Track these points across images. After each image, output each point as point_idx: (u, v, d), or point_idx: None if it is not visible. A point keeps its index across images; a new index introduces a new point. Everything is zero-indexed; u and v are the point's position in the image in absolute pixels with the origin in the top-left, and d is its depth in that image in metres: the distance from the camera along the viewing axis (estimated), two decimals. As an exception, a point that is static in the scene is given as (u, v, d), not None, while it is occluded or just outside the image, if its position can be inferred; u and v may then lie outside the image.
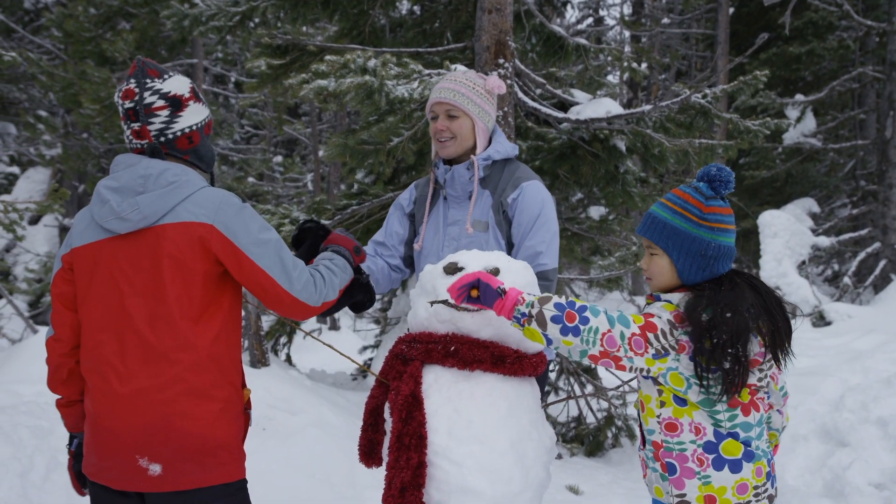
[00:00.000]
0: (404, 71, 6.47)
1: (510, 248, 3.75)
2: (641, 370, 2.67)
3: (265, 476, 5.32)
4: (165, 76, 2.83)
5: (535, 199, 3.73)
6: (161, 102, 2.78)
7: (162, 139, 2.79)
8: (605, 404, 8.32)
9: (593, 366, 8.33)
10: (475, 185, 3.74)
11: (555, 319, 2.63)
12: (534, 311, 2.66)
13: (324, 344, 3.31)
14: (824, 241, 15.77)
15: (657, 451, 2.81)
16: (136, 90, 2.79)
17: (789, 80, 20.15)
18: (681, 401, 2.73)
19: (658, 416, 2.78)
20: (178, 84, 2.84)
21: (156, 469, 2.66)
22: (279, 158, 26.62)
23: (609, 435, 8.13)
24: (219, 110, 21.55)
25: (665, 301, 2.78)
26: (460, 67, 6.57)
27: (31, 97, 17.72)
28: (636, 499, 6.62)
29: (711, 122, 7.25)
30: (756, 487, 2.75)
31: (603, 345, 2.62)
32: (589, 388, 8.15)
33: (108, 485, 2.75)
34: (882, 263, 16.36)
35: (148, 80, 2.80)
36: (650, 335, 2.64)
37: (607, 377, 8.70)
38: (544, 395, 3.80)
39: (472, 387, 2.86)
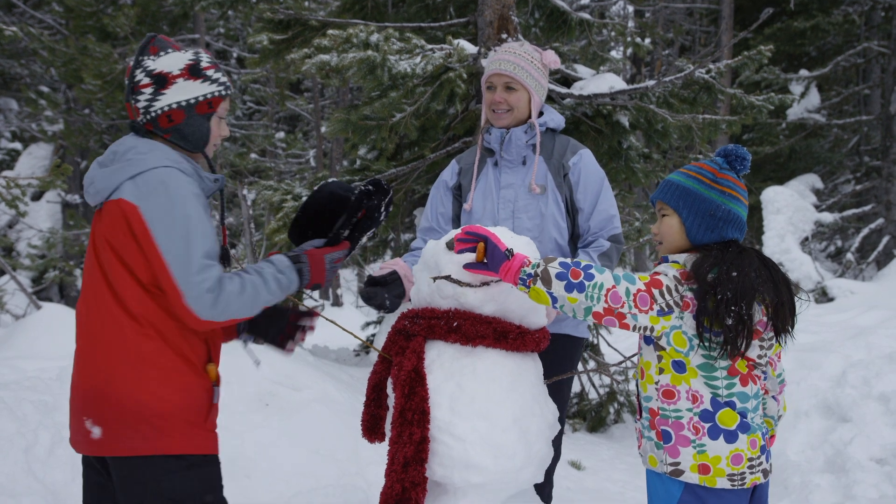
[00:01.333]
0: (407, 46, 6.45)
1: (573, 212, 3.82)
2: (645, 328, 2.68)
3: (269, 451, 5.34)
4: (163, 53, 2.82)
5: (595, 164, 3.87)
6: (147, 80, 2.79)
7: (147, 117, 2.80)
8: (607, 380, 8.34)
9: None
10: (537, 148, 3.80)
11: (559, 276, 2.65)
12: (539, 271, 2.68)
13: (327, 319, 3.31)
14: (827, 217, 15.74)
15: (653, 418, 2.80)
16: (132, 67, 2.83)
17: (793, 56, 20.04)
18: (680, 367, 2.73)
19: (656, 383, 2.78)
20: (169, 61, 2.80)
21: (97, 432, 2.68)
22: (281, 134, 26.58)
23: (611, 411, 8.16)
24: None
25: (672, 261, 2.81)
26: (463, 42, 6.54)
27: (32, 73, 17.68)
28: (638, 474, 6.64)
29: (715, 98, 7.22)
30: (751, 459, 2.75)
31: (607, 301, 2.63)
32: (591, 364, 8.17)
33: (73, 448, 2.82)
34: (885, 239, 16.33)
35: (144, 58, 2.81)
36: (655, 291, 2.66)
37: (610, 353, 8.72)
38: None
39: (474, 362, 2.86)
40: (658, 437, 2.79)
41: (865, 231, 16.65)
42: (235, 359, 6.11)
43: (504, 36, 6.75)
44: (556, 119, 3.94)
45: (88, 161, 17.12)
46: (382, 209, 3.09)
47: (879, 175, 17.48)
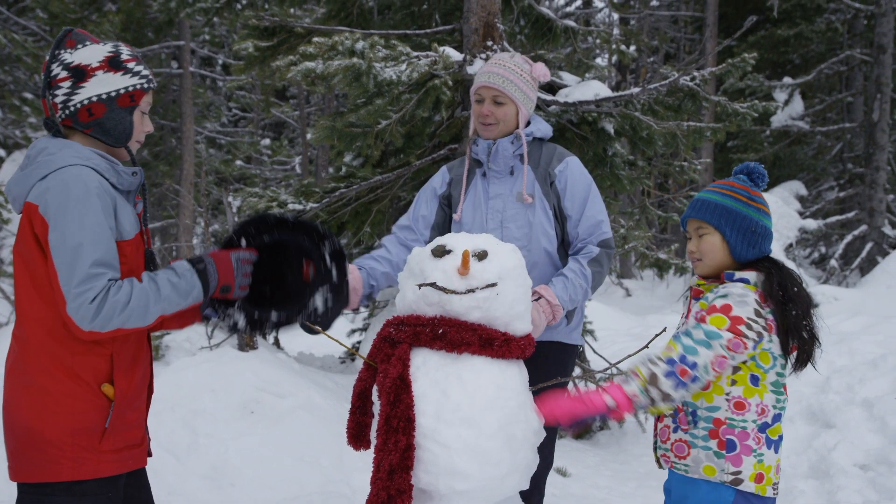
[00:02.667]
0: (392, 53, 6.45)
1: (562, 220, 3.83)
2: (745, 360, 2.82)
3: (253, 459, 5.33)
4: (80, 45, 2.72)
5: (582, 171, 3.89)
6: (64, 74, 2.68)
7: (66, 112, 2.70)
8: (592, 387, 8.34)
9: (581, 349, 8.36)
10: (524, 157, 3.82)
11: (677, 387, 2.74)
12: (654, 395, 2.74)
13: (312, 326, 3.30)
14: (811, 224, 15.83)
15: (718, 428, 2.86)
16: (48, 62, 2.72)
17: (777, 63, 20.18)
18: (755, 381, 2.85)
19: (727, 394, 2.86)
20: (88, 54, 2.70)
21: (8, 458, 2.67)
22: (267, 141, 26.57)
23: (597, 417, 8.16)
24: (206, 93, 21.45)
25: (740, 280, 2.88)
26: (449, 50, 6.55)
27: (16, 79, 17.60)
28: (623, 480, 6.65)
29: (700, 105, 7.24)
30: (779, 470, 2.90)
31: (716, 369, 2.76)
32: (577, 371, 8.17)
33: None
34: (868, 246, 16.44)
35: (60, 51, 2.71)
36: (742, 329, 2.76)
37: (595, 360, 8.72)
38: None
39: (459, 369, 2.86)
40: (720, 446, 2.86)
41: (849, 238, 16.76)
42: (219, 366, 6.11)
43: (489, 43, 6.76)
44: (542, 128, 3.96)
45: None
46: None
47: (862, 182, 17.60)
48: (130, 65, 2.76)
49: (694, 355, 2.73)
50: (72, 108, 2.69)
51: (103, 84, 2.70)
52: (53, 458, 2.57)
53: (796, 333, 2.82)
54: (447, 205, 4.04)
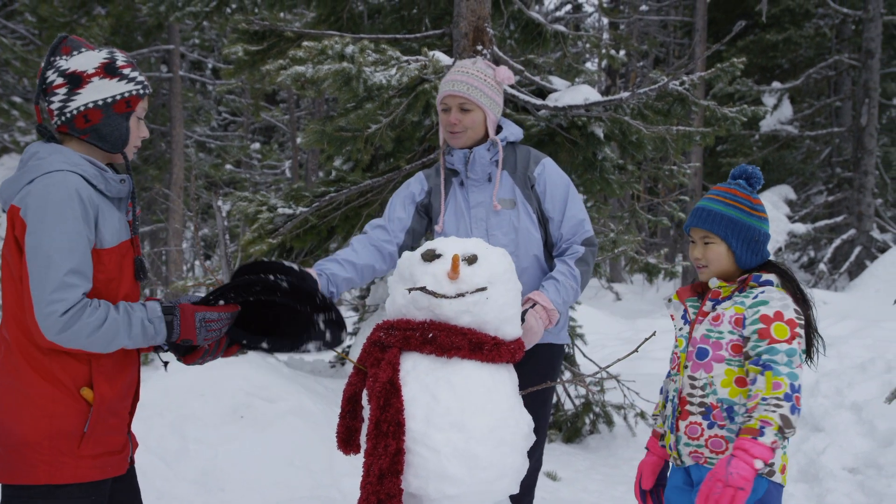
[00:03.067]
0: (382, 57, 6.45)
1: (544, 222, 3.84)
2: None
3: (243, 463, 5.32)
4: (76, 52, 2.72)
5: (559, 172, 3.91)
6: (60, 80, 2.69)
7: (62, 118, 2.71)
8: (582, 391, 8.35)
9: (571, 333, 8.38)
10: (500, 164, 3.82)
11: (797, 414, 2.82)
12: (788, 433, 2.81)
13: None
14: (800, 228, 15.89)
15: None
16: (43, 69, 2.73)
17: (766, 68, 20.25)
18: None
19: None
20: (83, 60, 2.71)
21: None
22: (257, 145, 26.53)
23: (587, 421, 8.17)
24: (196, 97, 21.41)
25: (772, 285, 3.03)
26: (438, 54, 6.56)
27: (5, 83, 17.53)
28: (613, 484, 6.66)
29: (689, 110, 7.25)
30: None
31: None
32: (567, 375, 8.18)
33: None
34: (857, 250, 16.50)
35: (56, 58, 2.72)
36: (798, 331, 2.95)
37: (585, 364, 8.73)
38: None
39: (449, 374, 2.86)
40: None
41: (837, 242, 16.82)
42: (209, 370, 6.10)
43: (479, 48, 6.76)
44: (514, 132, 3.95)
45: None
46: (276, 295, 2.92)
47: (851, 186, 17.67)
48: (126, 71, 2.77)
49: (797, 380, 2.87)
50: (68, 115, 2.70)
51: (99, 90, 2.71)
52: (32, 461, 2.57)
53: (814, 330, 3.07)
54: (425, 213, 4.01)
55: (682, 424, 3.09)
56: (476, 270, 2.90)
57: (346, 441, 3.04)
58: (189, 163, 20.05)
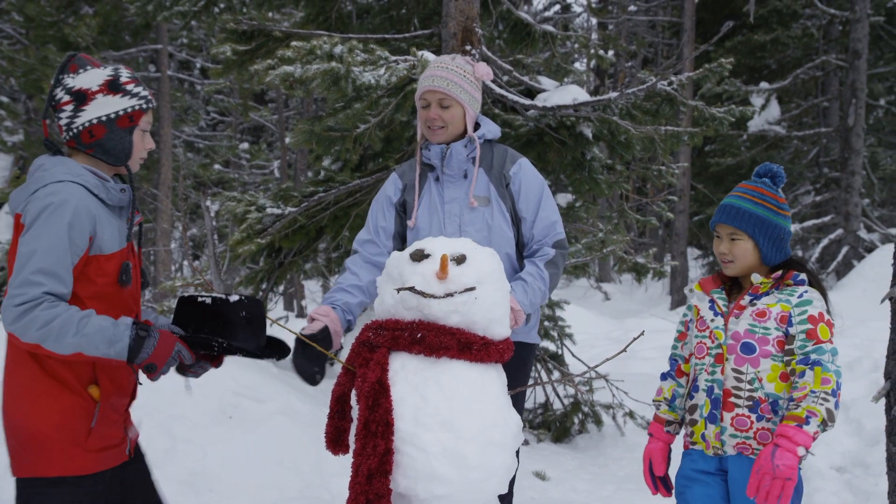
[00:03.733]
0: (371, 57, 6.44)
1: (517, 222, 3.86)
2: None
3: (232, 464, 5.31)
4: (82, 70, 2.87)
5: (535, 173, 3.92)
6: (66, 98, 2.84)
7: (70, 134, 2.86)
8: (571, 390, 8.36)
9: (559, 333, 8.40)
10: (477, 161, 3.83)
11: (837, 408, 3.01)
12: (829, 427, 3.00)
13: (291, 332, 3.30)
14: (788, 228, 15.91)
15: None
16: (52, 86, 2.89)
17: (754, 68, 20.32)
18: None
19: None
20: (89, 78, 2.86)
21: (10, 456, 2.84)
22: (245, 145, 26.47)
23: (576, 421, 8.18)
24: (184, 97, 21.36)
25: (807, 286, 3.19)
26: (427, 54, 6.56)
27: (-9, 83, 17.48)
28: (602, 484, 6.67)
29: (677, 110, 7.27)
30: None
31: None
32: (556, 375, 8.19)
33: None
34: (844, 250, 16.56)
35: (64, 76, 2.87)
36: (834, 329, 3.14)
37: (574, 363, 8.75)
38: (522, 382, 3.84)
39: (438, 374, 2.86)
40: None
41: (825, 242, 16.89)
42: (198, 371, 6.07)
43: (468, 48, 6.76)
44: (492, 130, 3.96)
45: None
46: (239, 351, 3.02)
47: (838, 186, 17.74)
48: (129, 87, 2.91)
49: (840, 378, 3.03)
50: (74, 130, 2.85)
51: (103, 107, 2.85)
52: (43, 455, 2.73)
53: (831, 326, 3.16)
54: (403, 211, 4.02)
55: (727, 416, 3.19)
56: (465, 270, 2.90)
57: (335, 441, 3.03)
58: (177, 163, 20.01)
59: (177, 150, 20.80)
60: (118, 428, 2.96)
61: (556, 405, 8.53)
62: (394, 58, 6.52)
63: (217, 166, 23.33)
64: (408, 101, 6.42)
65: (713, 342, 3.27)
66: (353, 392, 2.97)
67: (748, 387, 3.15)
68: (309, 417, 5.95)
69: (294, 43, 6.41)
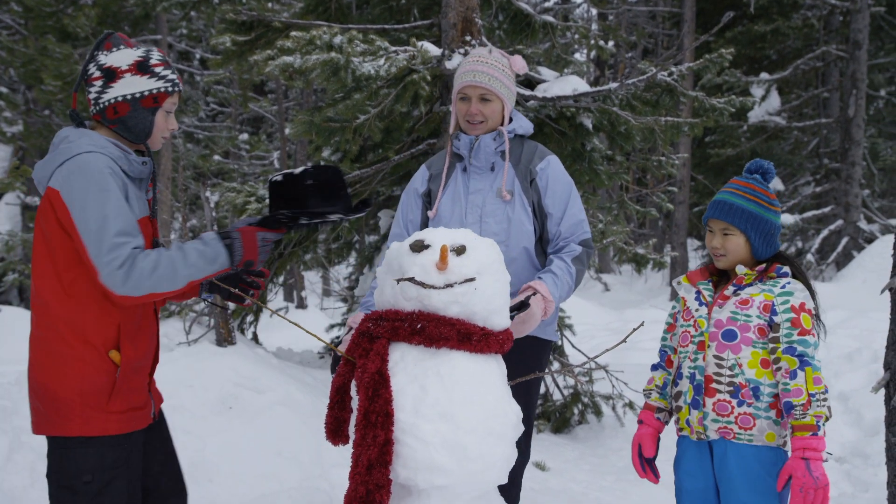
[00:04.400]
0: (371, 48, 6.43)
1: (541, 217, 3.87)
2: None
3: (232, 454, 5.31)
4: (115, 49, 3.01)
5: (563, 171, 3.95)
6: (98, 73, 3.00)
7: (97, 108, 3.01)
8: (571, 381, 8.37)
9: (559, 324, 8.40)
10: (506, 154, 3.85)
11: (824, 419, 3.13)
12: (829, 416, 3.16)
13: (291, 322, 3.30)
14: (788, 219, 15.92)
15: (776, 400, 3.24)
16: (86, 61, 3.05)
17: (754, 59, 20.27)
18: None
19: (780, 369, 3.24)
20: (120, 57, 3.00)
21: (33, 414, 3.02)
22: (245, 136, 26.42)
23: (575, 412, 8.19)
24: (184, 87, 21.33)
25: (790, 278, 3.30)
26: (427, 44, 6.54)
27: (-9, 73, 17.44)
28: (601, 474, 6.68)
29: (677, 100, 7.26)
30: None
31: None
32: (555, 365, 8.19)
33: None
34: (844, 241, 16.56)
35: (98, 53, 3.02)
36: (815, 320, 3.26)
37: (573, 354, 8.75)
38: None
39: (438, 364, 2.86)
40: (777, 415, 3.25)
41: (825, 232, 16.88)
42: (197, 362, 6.09)
43: (468, 38, 6.75)
44: (524, 125, 3.98)
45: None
46: (331, 217, 3.16)
47: (838, 177, 17.72)
48: (158, 69, 3.04)
49: (818, 366, 3.18)
50: (101, 105, 3.00)
51: (130, 86, 2.99)
52: (66, 415, 2.89)
53: (816, 317, 3.30)
54: (429, 201, 4.03)
55: (708, 401, 3.31)
56: (464, 261, 2.90)
57: (335, 432, 3.03)
58: (177, 153, 19.97)
59: (176, 140, 20.76)
60: (142, 392, 3.09)
61: (556, 396, 8.54)
62: (393, 48, 6.51)
63: (217, 157, 23.30)
64: (407, 91, 6.41)
65: (696, 330, 3.39)
66: (353, 383, 2.97)
67: (729, 373, 3.27)
68: (309, 408, 5.96)
69: (293, 33, 6.41)
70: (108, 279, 2.77)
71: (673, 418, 3.53)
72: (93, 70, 3.00)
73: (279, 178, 3.21)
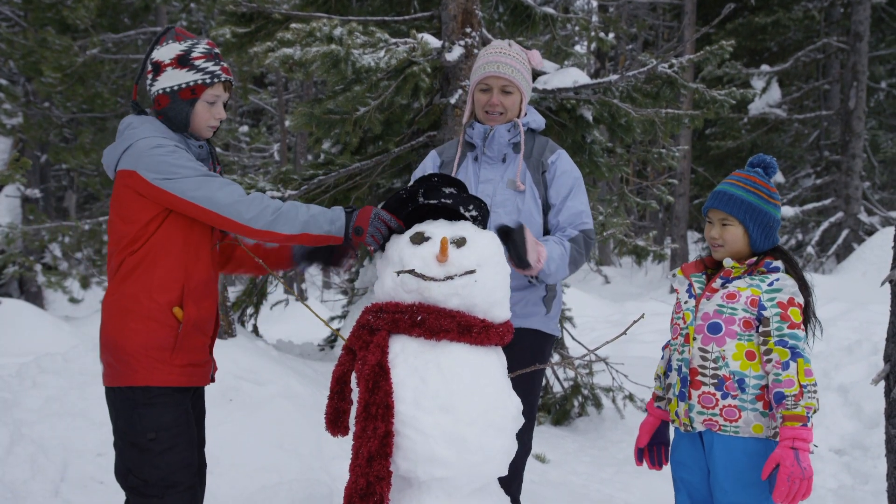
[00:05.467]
0: (371, 40, 6.42)
1: (546, 209, 3.86)
2: None
3: (232, 446, 5.31)
4: (165, 44, 3.21)
5: (571, 164, 3.95)
6: (150, 67, 3.24)
7: (151, 99, 3.25)
8: (571, 373, 8.37)
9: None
10: (521, 148, 3.86)
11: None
12: (818, 407, 3.14)
13: (305, 305, 3.35)
14: (789, 211, 15.92)
15: (763, 392, 3.23)
16: (146, 55, 3.28)
17: (755, 51, 20.24)
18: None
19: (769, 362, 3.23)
20: (166, 51, 3.20)
21: (103, 368, 3.24)
22: (245, 128, 26.42)
23: (575, 404, 8.19)
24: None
25: (779, 271, 3.29)
26: (427, 36, 6.53)
27: (-10, 65, 17.41)
28: (601, 466, 6.69)
29: (678, 92, 7.26)
30: None
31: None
32: (555, 358, 8.20)
33: None
34: (844, 233, 16.56)
35: (155, 48, 3.24)
36: (803, 315, 3.25)
37: (573, 346, 8.75)
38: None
39: (438, 356, 2.86)
40: (765, 406, 3.23)
41: (825, 225, 16.87)
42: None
43: (468, 30, 6.75)
44: (537, 120, 4.00)
45: (49, 155, 16.90)
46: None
47: (839, 169, 17.71)
48: (198, 62, 3.20)
49: (810, 362, 3.17)
50: (151, 97, 3.24)
51: (170, 79, 3.19)
52: (133, 366, 3.10)
53: (812, 313, 3.34)
54: None
55: (694, 393, 3.32)
56: (465, 253, 2.90)
57: (335, 422, 3.04)
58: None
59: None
60: (203, 351, 3.30)
61: (556, 388, 8.54)
62: (393, 40, 6.51)
63: (217, 149, 23.28)
64: (407, 83, 6.40)
65: (684, 323, 3.41)
66: (354, 375, 2.97)
67: (713, 365, 3.28)
68: (309, 400, 5.96)
69: (293, 25, 6.40)
70: (230, 211, 3.04)
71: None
72: (148, 64, 3.24)
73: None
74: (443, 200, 3.09)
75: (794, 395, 3.06)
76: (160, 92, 3.20)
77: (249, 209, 3.05)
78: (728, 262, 3.35)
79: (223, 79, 3.26)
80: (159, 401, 3.12)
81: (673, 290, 19.21)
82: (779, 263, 3.31)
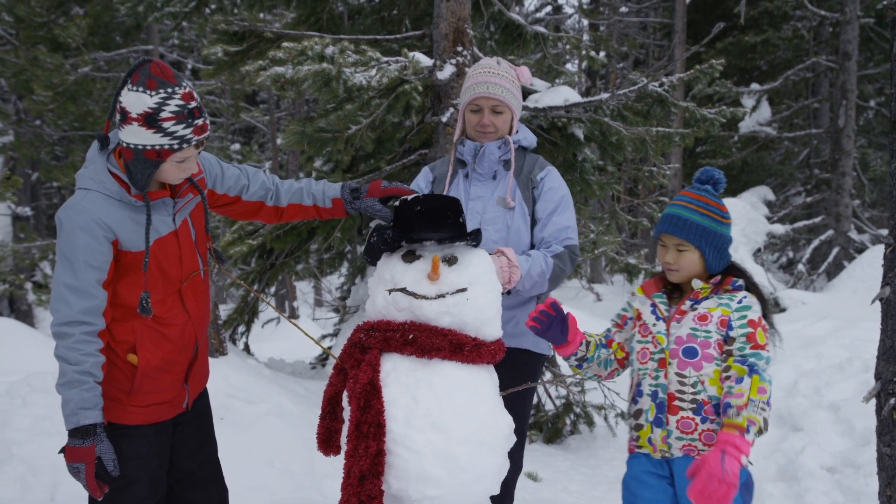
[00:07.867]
0: (362, 58, 6.44)
1: (533, 224, 3.86)
2: None
3: (223, 465, 5.28)
4: (138, 87, 2.85)
5: (560, 181, 3.95)
6: (118, 107, 2.91)
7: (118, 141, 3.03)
8: (563, 391, 8.37)
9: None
10: (512, 165, 3.86)
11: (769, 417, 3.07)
12: (762, 435, 3.05)
13: (295, 325, 3.32)
14: (779, 229, 15.95)
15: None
16: (119, 86, 2.93)
17: (745, 70, 20.34)
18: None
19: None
20: (133, 101, 2.86)
21: None
22: (237, 146, 26.38)
23: (567, 422, 8.19)
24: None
25: (744, 290, 3.26)
26: (419, 55, 6.55)
27: (-19, 84, 17.40)
28: (594, 484, 6.67)
29: (668, 111, 7.29)
30: None
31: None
32: (547, 376, 8.19)
33: None
34: (835, 251, 16.60)
35: (126, 83, 2.89)
36: (768, 335, 3.20)
37: (565, 364, 8.75)
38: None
39: (430, 375, 2.86)
40: (740, 431, 3.08)
41: (816, 242, 16.91)
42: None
43: (459, 49, 6.77)
44: (528, 138, 4.01)
45: (40, 173, 16.87)
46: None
47: (829, 187, 17.78)
48: (167, 124, 2.87)
49: (772, 386, 3.10)
50: (117, 139, 3.00)
51: (134, 136, 2.89)
52: (107, 405, 3.08)
53: (771, 324, 3.25)
54: None
55: (672, 419, 3.22)
56: (456, 271, 2.91)
57: (327, 442, 3.03)
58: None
59: (168, 151, 20.71)
60: (170, 388, 3.26)
61: (548, 406, 8.54)
62: (385, 59, 6.53)
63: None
64: (399, 102, 6.42)
65: (656, 347, 3.29)
66: (345, 393, 2.97)
67: (691, 390, 3.19)
68: (300, 419, 5.94)
69: (285, 44, 6.42)
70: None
71: (630, 435, 3.40)
72: (116, 102, 2.92)
73: (397, 203, 3.23)
74: (427, 240, 3.05)
75: (738, 405, 2.98)
76: (123, 143, 2.93)
77: (55, 316, 2.98)
78: (697, 284, 3.27)
79: (193, 142, 2.95)
80: (121, 431, 3.14)
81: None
82: (741, 282, 3.28)
